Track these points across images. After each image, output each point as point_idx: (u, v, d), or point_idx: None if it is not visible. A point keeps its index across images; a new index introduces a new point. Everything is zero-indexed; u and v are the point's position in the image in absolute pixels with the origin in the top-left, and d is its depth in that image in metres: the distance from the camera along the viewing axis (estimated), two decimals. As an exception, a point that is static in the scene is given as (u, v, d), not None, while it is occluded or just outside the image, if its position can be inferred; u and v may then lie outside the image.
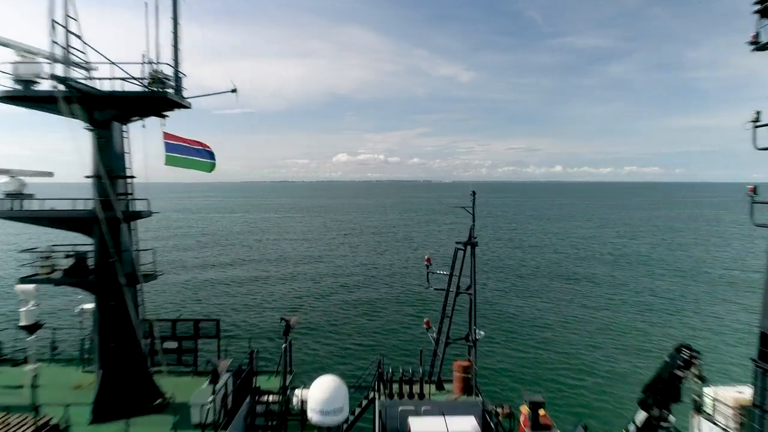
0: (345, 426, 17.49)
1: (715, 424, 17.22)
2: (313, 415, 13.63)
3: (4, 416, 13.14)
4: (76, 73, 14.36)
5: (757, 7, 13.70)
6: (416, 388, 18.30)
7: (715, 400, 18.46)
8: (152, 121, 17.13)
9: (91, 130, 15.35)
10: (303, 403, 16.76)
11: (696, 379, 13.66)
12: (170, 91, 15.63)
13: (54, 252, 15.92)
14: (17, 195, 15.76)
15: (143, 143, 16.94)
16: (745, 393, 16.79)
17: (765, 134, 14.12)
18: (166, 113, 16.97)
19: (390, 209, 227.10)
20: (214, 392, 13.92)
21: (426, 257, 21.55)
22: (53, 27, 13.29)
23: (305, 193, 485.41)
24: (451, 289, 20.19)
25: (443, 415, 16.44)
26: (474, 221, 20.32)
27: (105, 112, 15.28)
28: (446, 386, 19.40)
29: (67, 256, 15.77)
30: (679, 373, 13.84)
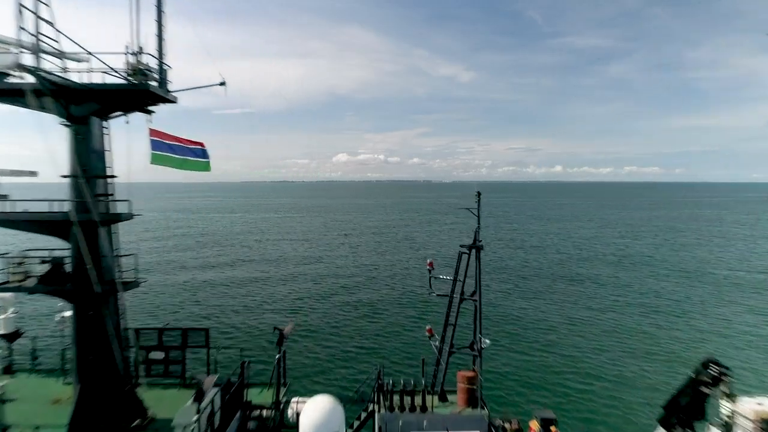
0: None
1: None
2: None
3: None
4: (50, 64, 13.25)
5: None
6: (418, 400, 17.31)
7: (733, 412, 17.35)
8: (138, 117, 16.08)
9: (67, 125, 14.27)
10: (298, 415, 15.73)
11: (725, 398, 12.53)
12: (153, 83, 14.53)
13: (27, 257, 14.83)
14: None
15: (127, 141, 15.88)
16: (766, 405, 15.75)
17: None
18: (151, 108, 15.86)
19: (390, 209, 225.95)
20: (198, 411, 12.85)
21: (428, 261, 20.44)
22: (20, 12, 12.17)
23: (305, 193, 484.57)
24: (454, 295, 19.12)
25: (447, 429, 15.42)
26: (479, 223, 19.31)
27: (83, 106, 14.19)
28: (450, 398, 18.37)
29: (43, 262, 14.69)
30: (705, 390, 12.72)
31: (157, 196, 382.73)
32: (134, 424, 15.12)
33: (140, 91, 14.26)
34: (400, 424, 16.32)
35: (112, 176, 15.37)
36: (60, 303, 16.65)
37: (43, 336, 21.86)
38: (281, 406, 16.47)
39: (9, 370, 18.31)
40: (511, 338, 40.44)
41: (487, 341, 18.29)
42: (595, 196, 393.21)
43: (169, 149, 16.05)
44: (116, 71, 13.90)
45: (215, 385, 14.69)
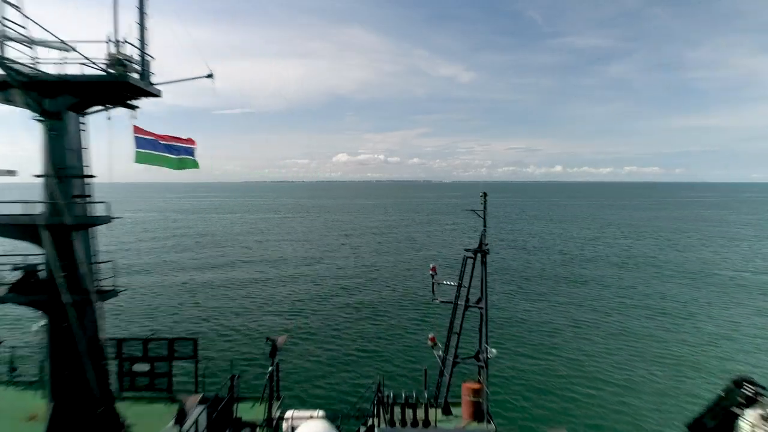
0: None
1: None
2: None
3: None
4: (17, 53, 12.13)
5: None
6: (420, 414, 16.22)
7: (754, 426, 16.21)
8: (123, 114, 15.05)
9: (41, 121, 13.17)
10: (293, 429, 14.69)
11: (763, 422, 11.35)
12: (133, 75, 13.42)
13: None
14: None
15: (109, 138, 14.82)
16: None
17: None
18: (134, 104, 14.77)
19: (390, 209, 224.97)
20: None
21: (431, 266, 19.15)
22: None
23: (305, 193, 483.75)
24: (459, 302, 17.98)
25: None
26: (485, 226, 18.17)
27: (57, 100, 13.10)
28: (454, 411, 17.30)
29: (15, 269, 13.56)
30: (737, 410, 11.60)
31: (155, 196, 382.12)
32: None
33: (119, 83, 13.14)
34: None
35: (90, 176, 14.27)
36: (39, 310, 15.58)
37: (24, 345, 20.70)
38: (274, 423, 15.35)
39: None
40: (516, 342, 39.39)
41: (494, 351, 17.15)
42: (595, 196, 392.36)
43: (155, 147, 15.05)
44: (92, 61, 12.81)
45: (200, 402, 13.58)
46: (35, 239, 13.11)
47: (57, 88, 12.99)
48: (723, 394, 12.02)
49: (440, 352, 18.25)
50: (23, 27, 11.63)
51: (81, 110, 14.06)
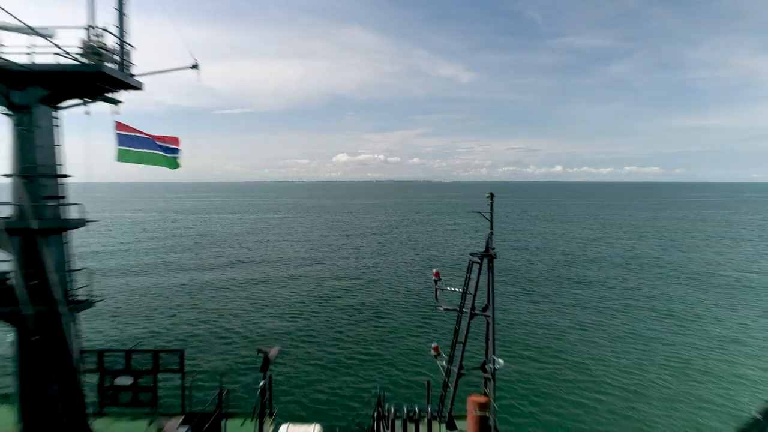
0: None
1: None
2: None
3: None
4: None
5: None
6: (423, 429, 15.27)
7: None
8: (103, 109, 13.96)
9: (9, 115, 12.09)
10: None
11: None
12: (110, 65, 12.31)
13: None
14: None
15: (88, 134, 13.75)
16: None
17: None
18: (115, 97, 13.69)
19: (391, 209, 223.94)
20: None
21: (434, 271, 18.15)
22: None
23: (305, 193, 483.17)
24: (464, 310, 16.93)
25: None
26: (492, 229, 17.10)
27: (27, 91, 12.00)
28: (459, 425, 16.28)
29: None
30: None
31: (155, 196, 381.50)
32: None
33: (93, 73, 12.01)
34: None
35: (64, 175, 13.15)
36: None
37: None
38: None
39: None
40: (521, 345, 38.34)
41: (501, 361, 16.04)
42: (595, 196, 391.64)
43: (138, 144, 14.02)
44: (63, 49, 11.65)
45: (184, 422, 12.48)
46: (4, 245, 12.03)
47: (25, 79, 11.89)
48: (754, 422, 10.87)
49: (444, 363, 17.20)
50: None
51: (54, 104, 12.98)
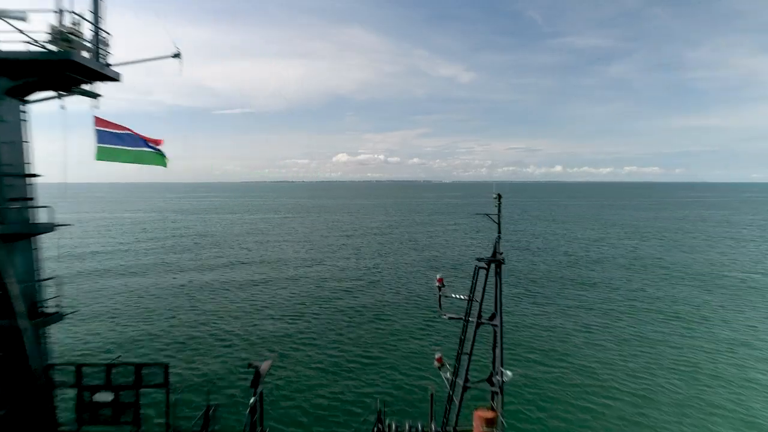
0: None
1: None
2: None
3: None
4: None
5: None
6: None
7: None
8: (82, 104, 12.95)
9: None
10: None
11: None
12: (82, 53, 11.22)
13: None
14: None
15: (63, 130, 12.95)
16: None
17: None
18: (92, 89, 12.60)
19: (391, 209, 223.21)
20: None
21: (438, 277, 17.14)
22: None
23: (305, 193, 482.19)
24: (470, 319, 15.85)
25: None
26: (500, 232, 16.11)
27: None
28: None
29: None
30: None
31: (155, 196, 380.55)
32: None
33: (62, 62, 10.79)
34: None
35: (33, 175, 12.12)
36: None
37: None
38: None
39: None
40: (526, 348, 37.78)
41: (509, 373, 15.01)
42: (595, 196, 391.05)
43: (120, 141, 13.11)
44: (26, 34, 10.54)
45: None
46: None
47: None
48: None
49: (448, 375, 16.11)
50: None
51: (22, 96, 11.82)
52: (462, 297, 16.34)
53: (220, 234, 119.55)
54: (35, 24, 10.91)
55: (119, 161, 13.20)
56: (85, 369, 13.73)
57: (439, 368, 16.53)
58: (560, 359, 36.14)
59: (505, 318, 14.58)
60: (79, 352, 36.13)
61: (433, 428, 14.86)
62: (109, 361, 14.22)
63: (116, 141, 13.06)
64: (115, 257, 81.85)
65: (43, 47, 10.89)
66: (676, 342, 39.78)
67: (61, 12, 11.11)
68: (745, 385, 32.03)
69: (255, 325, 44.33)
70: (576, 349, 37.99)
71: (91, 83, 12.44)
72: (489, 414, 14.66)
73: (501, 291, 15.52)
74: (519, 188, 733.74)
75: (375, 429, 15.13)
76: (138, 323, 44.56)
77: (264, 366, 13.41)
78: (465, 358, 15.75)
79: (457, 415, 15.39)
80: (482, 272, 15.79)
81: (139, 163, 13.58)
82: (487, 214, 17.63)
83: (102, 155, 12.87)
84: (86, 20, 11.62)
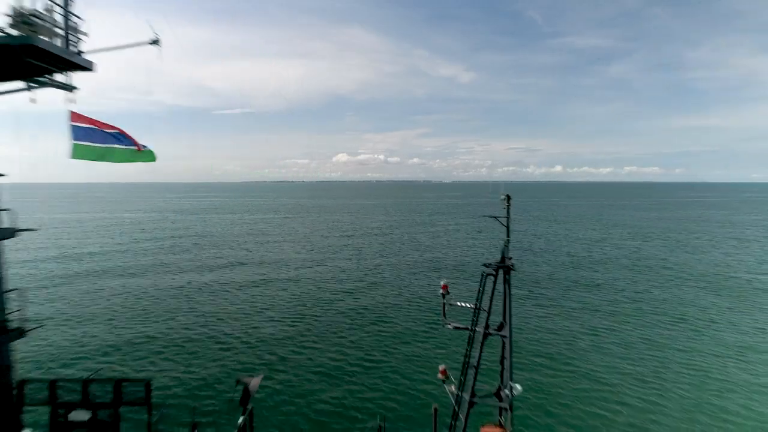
0: None
1: None
2: None
3: None
4: None
5: None
6: None
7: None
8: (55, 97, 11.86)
9: None
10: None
11: None
12: (47, 39, 10.22)
13: None
14: None
15: (35, 126, 11.89)
16: None
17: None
18: (65, 81, 11.56)
19: (391, 209, 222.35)
20: None
21: (442, 284, 15.91)
22: None
23: (305, 194, 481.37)
24: (477, 329, 14.76)
25: None
26: (509, 236, 15.00)
27: None
28: None
29: None
30: None
31: (155, 196, 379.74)
32: None
33: (23, 47, 9.74)
34: None
35: None
36: None
37: None
38: None
39: None
40: (531, 352, 36.89)
41: (519, 387, 14.00)
42: (595, 196, 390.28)
43: (99, 138, 12.17)
44: None
45: None
46: None
47: None
48: None
49: (453, 388, 15.07)
50: None
51: None
52: (468, 305, 15.19)
53: (220, 234, 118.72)
54: None
55: (98, 160, 12.18)
56: (59, 385, 12.68)
57: (444, 381, 15.49)
58: (567, 363, 35.34)
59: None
60: (57, 365, 34.49)
61: None
62: (86, 376, 13.09)
63: (94, 138, 12.06)
64: (113, 258, 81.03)
65: (2, 31, 9.91)
66: (684, 346, 38.97)
67: None
68: (758, 390, 31.20)
69: (255, 327, 43.54)
70: (583, 353, 37.19)
71: (62, 73, 11.40)
72: (496, 431, 13.81)
73: (510, 299, 14.47)
74: (519, 188, 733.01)
75: None
76: (123, 330, 43.51)
77: (254, 382, 12.40)
78: (471, 371, 14.66)
79: (464, 430, 14.46)
80: (490, 279, 14.72)
81: (119, 162, 12.54)
82: (495, 217, 16.67)
83: (78, 153, 11.82)
84: (55, 2, 10.68)
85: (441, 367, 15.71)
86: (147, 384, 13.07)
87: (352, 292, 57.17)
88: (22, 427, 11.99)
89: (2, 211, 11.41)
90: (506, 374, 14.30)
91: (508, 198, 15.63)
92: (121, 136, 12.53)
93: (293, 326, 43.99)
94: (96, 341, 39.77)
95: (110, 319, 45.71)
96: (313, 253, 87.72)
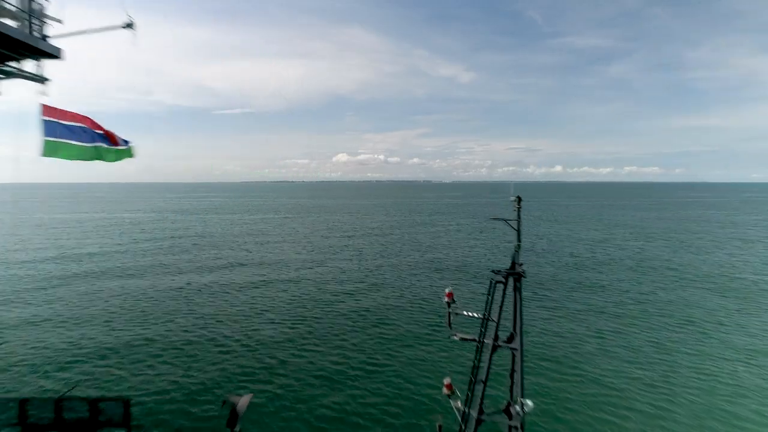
0: None
1: None
2: None
3: None
4: None
5: None
6: None
7: None
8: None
9: None
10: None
11: None
12: (7, 22, 9.43)
13: None
14: None
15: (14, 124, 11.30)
16: None
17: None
18: (33, 72, 10.80)
19: (391, 209, 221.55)
20: None
21: (447, 292, 14.89)
22: None
23: (305, 194, 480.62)
24: (485, 340, 13.69)
25: None
26: (520, 240, 13.98)
27: None
28: None
29: None
30: None
31: (155, 196, 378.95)
32: None
33: None
34: None
35: None
36: None
37: None
38: None
39: None
40: (537, 356, 36.14)
41: (530, 403, 12.93)
42: (595, 196, 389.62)
43: (73, 135, 11.30)
44: None
45: None
46: None
47: None
48: None
49: (459, 404, 14.01)
50: None
51: None
52: (475, 315, 14.11)
53: (220, 235, 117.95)
54: None
55: (73, 158, 11.26)
56: (30, 405, 11.74)
57: (449, 396, 14.49)
58: (573, 367, 34.60)
59: (508, 324, 12.75)
60: (53, 368, 33.27)
61: None
62: (59, 395, 12.04)
63: (70, 135, 11.13)
64: (113, 258, 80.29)
65: None
66: (692, 349, 38.22)
67: None
68: (769, 395, 30.48)
69: (255, 329, 42.79)
70: (590, 356, 36.44)
71: (24, 58, 10.47)
72: None
73: (521, 309, 13.47)
74: (519, 188, 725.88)
75: None
76: (120, 333, 42.86)
77: (242, 401, 11.52)
78: (479, 386, 13.58)
79: None
80: (498, 287, 13.69)
81: (98, 160, 11.61)
82: (505, 220, 15.72)
83: (49, 150, 10.90)
84: None
85: (446, 381, 14.76)
86: (126, 403, 12.08)
87: (353, 294, 56.42)
88: None
89: None
90: (516, 389, 13.30)
91: (519, 200, 14.63)
92: (98, 134, 11.59)
93: (294, 328, 43.24)
94: (92, 343, 38.99)
95: (108, 321, 44.98)
96: (313, 254, 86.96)
